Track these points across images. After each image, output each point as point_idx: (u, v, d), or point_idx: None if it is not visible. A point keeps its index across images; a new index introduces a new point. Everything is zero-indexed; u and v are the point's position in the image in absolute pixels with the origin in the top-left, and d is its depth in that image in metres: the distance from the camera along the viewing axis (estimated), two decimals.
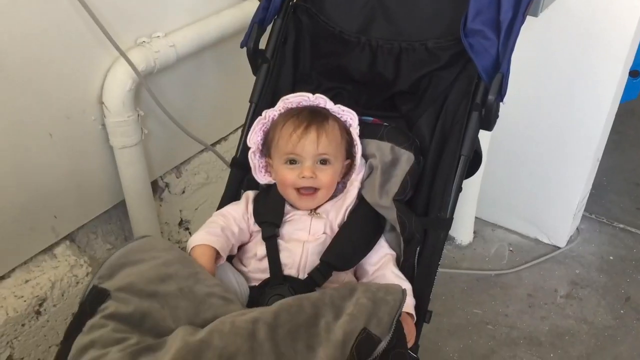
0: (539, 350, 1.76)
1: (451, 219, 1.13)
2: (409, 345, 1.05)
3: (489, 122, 1.12)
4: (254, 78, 1.34)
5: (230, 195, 1.29)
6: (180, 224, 1.88)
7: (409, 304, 1.09)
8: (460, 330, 1.81)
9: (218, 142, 1.92)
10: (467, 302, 1.91)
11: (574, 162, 1.95)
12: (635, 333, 1.82)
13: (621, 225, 2.22)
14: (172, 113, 1.61)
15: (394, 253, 1.18)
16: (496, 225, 2.21)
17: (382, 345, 0.88)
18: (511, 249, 2.12)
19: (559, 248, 2.11)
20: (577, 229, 2.18)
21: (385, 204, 1.15)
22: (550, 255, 2.08)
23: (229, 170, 1.32)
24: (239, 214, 1.20)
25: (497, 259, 2.08)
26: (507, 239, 2.17)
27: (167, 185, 1.78)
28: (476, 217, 2.14)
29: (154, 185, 1.73)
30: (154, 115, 1.60)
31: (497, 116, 1.13)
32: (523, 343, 1.78)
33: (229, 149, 1.91)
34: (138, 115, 1.52)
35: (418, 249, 1.13)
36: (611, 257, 2.09)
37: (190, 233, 1.87)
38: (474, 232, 2.16)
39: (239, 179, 1.29)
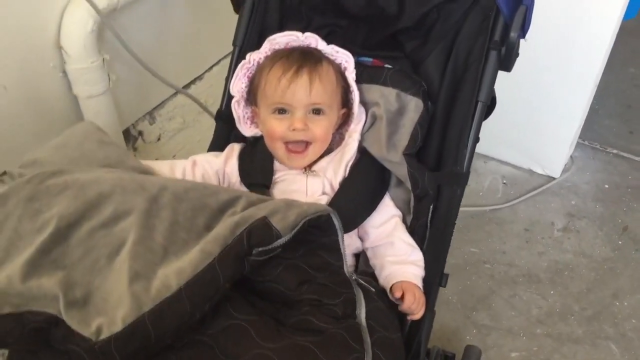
0: (539, 288, 1.71)
1: (468, 172, 1.02)
2: (417, 316, 0.97)
3: (509, 62, 0.99)
4: (227, 8, 1.17)
5: None
6: None
7: (416, 275, 1.00)
8: (458, 271, 1.74)
9: (193, 82, 1.75)
10: (464, 240, 1.84)
11: (574, 88, 1.84)
12: (635, 264, 1.78)
13: (615, 151, 2.15)
14: (141, 54, 1.44)
15: (400, 214, 1.07)
16: (488, 157, 2.11)
17: (281, 241, 0.80)
18: (505, 181, 2.04)
19: (554, 179, 2.04)
20: (571, 157, 2.10)
21: (394, 159, 1.03)
22: (546, 187, 2.01)
23: (206, 113, 1.17)
24: (214, 169, 1.08)
25: (491, 193, 2.00)
26: (500, 171, 2.08)
27: (140, 133, 1.63)
28: None
29: (126, 134, 1.58)
30: (121, 58, 1.42)
31: (517, 54, 1.00)
32: (522, 281, 1.73)
33: (206, 89, 1.75)
34: (103, 59, 1.35)
35: (431, 207, 1.03)
36: (606, 185, 2.03)
37: None
38: None
39: (226, 133, 1.15)
